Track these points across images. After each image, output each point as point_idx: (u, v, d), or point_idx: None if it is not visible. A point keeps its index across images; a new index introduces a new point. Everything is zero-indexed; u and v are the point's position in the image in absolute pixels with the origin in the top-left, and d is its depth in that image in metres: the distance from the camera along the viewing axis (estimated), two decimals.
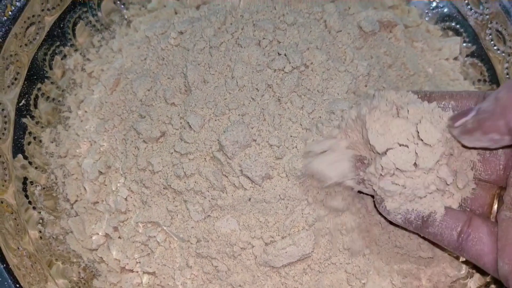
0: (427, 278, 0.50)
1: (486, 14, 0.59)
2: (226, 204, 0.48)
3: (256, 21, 0.53)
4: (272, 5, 0.55)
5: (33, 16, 0.56)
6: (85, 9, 0.62)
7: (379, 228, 0.49)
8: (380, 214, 0.47)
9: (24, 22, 0.55)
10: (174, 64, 0.54)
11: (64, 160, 0.57)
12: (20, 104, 0.56)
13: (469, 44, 0.61)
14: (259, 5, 0.55)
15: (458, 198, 0.45)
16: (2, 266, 0.47)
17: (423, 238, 0.48)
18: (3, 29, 0.53)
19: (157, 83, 0.54)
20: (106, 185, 0.54)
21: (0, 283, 0.47)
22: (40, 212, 0.55)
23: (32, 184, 0.55)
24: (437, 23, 0.63)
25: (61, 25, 0.60)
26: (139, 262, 0.52)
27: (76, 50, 0.62)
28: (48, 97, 0.59)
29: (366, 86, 0.52)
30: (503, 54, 0.58)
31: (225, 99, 0.49)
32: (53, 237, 0.54)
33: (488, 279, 0.51)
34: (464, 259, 0.51)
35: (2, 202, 0.51)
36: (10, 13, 0.53)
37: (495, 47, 0.59)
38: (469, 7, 0.61)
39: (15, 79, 0.55)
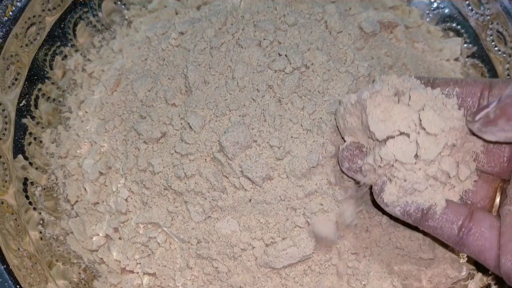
0: (427, 280, 0.50)
1: (487, 15, 0.59)
2: (226, 205, 0.48)
3: (257, 21, 0.53)
4: (273, 6, 0.55)
5: (34, 16, 0.56)
6: (85, 10, 0.62)
7: (379, 229, 0.49)
8: (378, 208, 0.47)
9: (25, 22, 0.55)
10: (175, 64, 0.54)
11: (64, 160, 0.57)
12: (21, 105, 0.56)
13: (470, 45, 0.61)
14: (259, 5, 0.55)
15: (459, 191, 0.43)
16: (2, 267, 0.47)
17: (424, 234, 0.47)
18: (4, 29, 0.53)
19: (157, 84, 0.54)
20: (106, 186, 0.54)
21: (1, 284, 0.47)
22: (40, 213, 0.55)
23: (32, 185, 0.55)
24: (438, 24, 0.63)
25: (62, 26, 0.60)
26: (140, 263, 0.52)
27: (76, 51, 0.62)
28: (48, 97, 0.59)
29: None
30: (504, 55, 0.58)
31: (226, 99, 0.49)
32: (54, 238, 0.54)
33: (488, 280, 0.51)
34: (464, 261, 0.51)
35: (2, 203, 0.51)
36: (10, 13, 0.53)
37: (496, 48, 0.59)
38: (470, 7, 0.61)
39: (16, 79, 0.55)
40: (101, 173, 0.54)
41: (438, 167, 0.41)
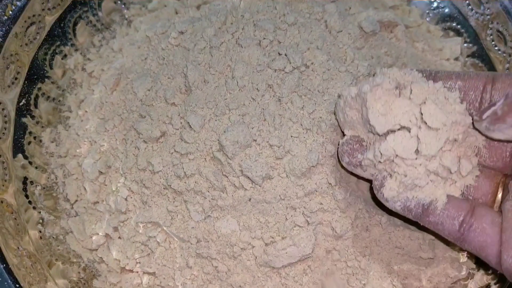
0: (427, 279, 0.50)
1: (487, 15, 0.59)
2: (226, 205, 0.48)
3: (256, 21, 0.53)
4: (272, 5, 0.55)
5: (34, 15, 0.56)
6: (85, 9, 0.62)
7: (379, 228, 0.49)
8: (379, 206, 0.46)
9: (25, 21, 0.55)
10: (175, 64, 0.54)
11: (64, 160, 0.57)
12: (21, 104, 0.56)
13: (470, 45, 0.61)
14: (259, 5, 0.55)
15: (461, 186, 0.42)
16: (2, 266, 0.47)
17: (425, 230, 0.47)
18: (4, 28, 0.53)
19: (157, 83, 0.54)
20: (106, 185, 0.54)
21: (0, 283, 0.47)
22: (40, 212, 0.55)
23: (32, 184, 0.55)
24: (438, 24, 0.63)
25: (62, 25, 0.60)
26: (139, 262, 0.52)
27: (76, 50, 0.62)
28: (48, 96, 0.59)
29: None
30: (504, 55, 0.58)
31: (226, 99, 0.49)
32: (53, 237, 0.54)
33: (488, 280, 0.51)
34: (464, 260, 0.51)
35: (2, 202, 0.51)
36: (10, 12, 0.53)
37: (496, 48, 0.59)
38: (470, 7, 0.61)
39: (16, 78, 0.55)
40: (101, 172, 0.54)
41: (439, 162, 0.40)
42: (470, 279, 0.52)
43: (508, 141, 0.41)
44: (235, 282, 0.49)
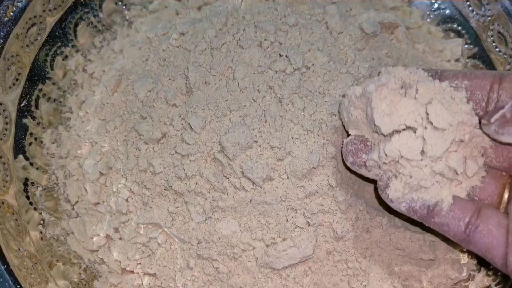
0: (428, 280, 0.50)
1: (488, 16, 0.59)
2: (227, 206, 0.48)
3: (257, 22, 0.53)
4: (273, 7, 0.55)
5: (35, 17, 0.56)
6: (86, 10, 0.62)
7: (380, 230, 0.49)
8: (382, 204, 0.46)
9: (26, 23, 0.55)
10: (176, 65, 0.54)
11: (65, 161, 0.57)
12: (21, 105, 0.56)
13: (471, 46, 0.61)
14: (260, 6, 0.55)
15: (467, 187, 0.42)
16: (3, 267, 0.47)
17: (427, 230, 0.46)
18: (5, 30, 0.53)
19: (158, 84, 0.54)
20: (107, 186, 0.54)
21: (1, 284, 0.47)
22: (41, 213, 0.55)
23: (33, 185, 0.55)
24: (438, 25, 0.63)
25: (63, 26, 0.60)
26: (140, 264, 0.52)
27: (77, 51, 0.62)
28: (49, 97, 0.59)
29: None
30: (505, 56, 0.58)
31: (226, 100, 0.49)
32: (54, 238, 0.54)
33: (489, 281, 0.51)
34: (465, 262, 0.51)
35: (3, 203, 0.51)
36: (11, 14, 0.53)
37: (496, 49, 0.59)
38: (470, 8, 0.61)
39: (17, 79, 0.55)
40: (102, 173, 0.54)
41: (445, 163, 0.40)
42: (471, 281, 0.52)
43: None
44: (235, 283, 0.49)
